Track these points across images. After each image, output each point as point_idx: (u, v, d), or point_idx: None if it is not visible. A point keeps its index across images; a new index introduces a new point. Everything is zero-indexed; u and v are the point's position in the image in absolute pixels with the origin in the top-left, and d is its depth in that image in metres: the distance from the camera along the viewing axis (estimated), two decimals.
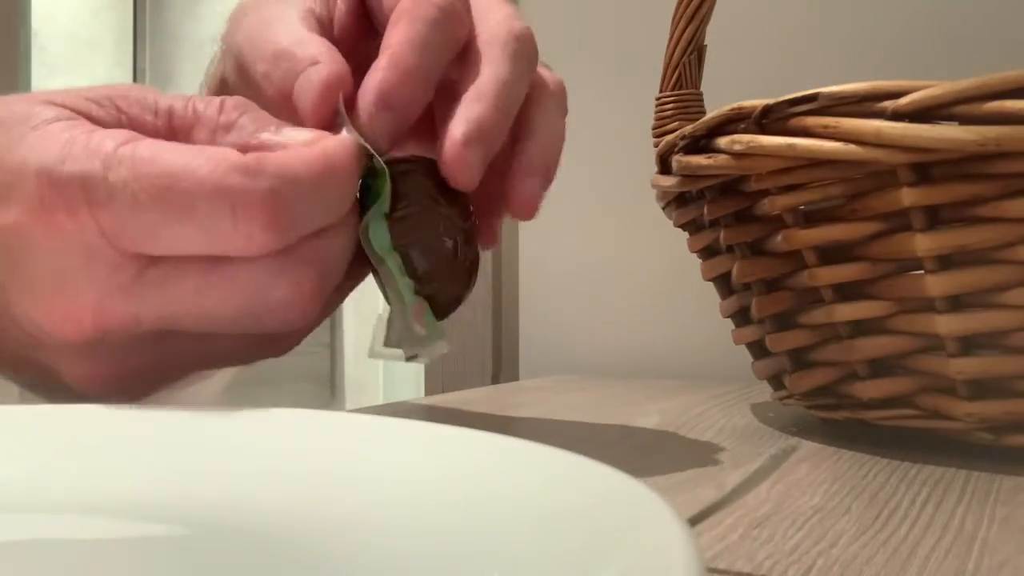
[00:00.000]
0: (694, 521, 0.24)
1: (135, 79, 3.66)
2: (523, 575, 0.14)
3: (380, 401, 2.42)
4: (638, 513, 0.14)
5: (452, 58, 0.31)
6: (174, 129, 0.28)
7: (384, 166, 0.28)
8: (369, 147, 0.28)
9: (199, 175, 0.25)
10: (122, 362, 0.27)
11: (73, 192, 0.25)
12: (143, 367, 0.28)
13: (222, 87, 0.34)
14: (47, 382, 0.29)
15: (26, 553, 0.18)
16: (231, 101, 0.28)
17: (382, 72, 0.28)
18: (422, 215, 0.28)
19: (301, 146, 0.27)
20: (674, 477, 0.30)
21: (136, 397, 0.29)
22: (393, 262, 0.28)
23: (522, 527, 0.16)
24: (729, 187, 0.38)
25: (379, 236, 0.28)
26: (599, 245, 0.75)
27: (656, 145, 0.44)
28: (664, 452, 0.34)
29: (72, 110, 0.27)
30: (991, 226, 0.30)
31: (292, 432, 0.22)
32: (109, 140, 0.25)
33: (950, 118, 0.30)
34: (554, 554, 0.14)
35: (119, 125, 0.27)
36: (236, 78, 0.33)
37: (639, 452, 0.34)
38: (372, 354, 0.30)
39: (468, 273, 0.29)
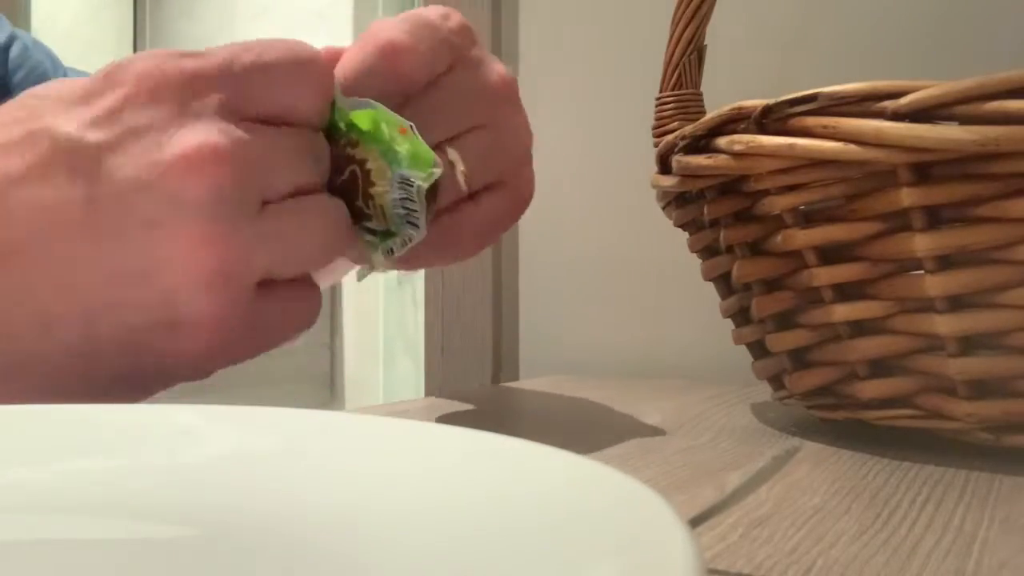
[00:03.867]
0: (694, 521, 0.24)
1: None
2: (522, 575, 0.14)
3: (380, 401, 2.42)
4: (638, 513, 0.14)
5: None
6: None
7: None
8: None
9: (276, 44, 0.30)
10: (239, 305, 0.29)
11: (169, 70, 0.28)
12: (250, 320, 0.30)
13: None
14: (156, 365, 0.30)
15: (27, 553, 0.18)
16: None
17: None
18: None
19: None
20: (674, 477, 0.30)
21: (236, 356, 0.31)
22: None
23: (521, 527, 0.16)
24: (729, 187, 0.38)
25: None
26: (599, 245, 0.75)
27: (656, 145, 0.44)
28: (664, 452, 0.34)
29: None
30: (991, 226, 0.30)
31: (292, 432, 0.22)
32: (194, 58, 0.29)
33: (950, 118, 0.30)
34: (553, 554, 0.14)
35: None
36: None
37: (639, 452, 0.34)
38: (364, 275, 0.35)
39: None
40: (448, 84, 0.33)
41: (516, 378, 0.79)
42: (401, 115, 0.31)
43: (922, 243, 0.31)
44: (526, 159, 0.36)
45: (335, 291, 2.46)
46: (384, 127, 0.31)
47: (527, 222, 0.79)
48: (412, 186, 0.31)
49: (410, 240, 0.32)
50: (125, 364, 0.29)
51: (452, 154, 0.33)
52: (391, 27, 0.32)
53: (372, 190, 0.31)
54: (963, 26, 0.61)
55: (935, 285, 0.31)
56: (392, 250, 0.32)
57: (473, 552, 0.16)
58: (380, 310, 2.49)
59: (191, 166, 0.27)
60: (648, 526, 0.14)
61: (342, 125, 0.31)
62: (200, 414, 0.23)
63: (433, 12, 0.34)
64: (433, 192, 0.31)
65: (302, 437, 0.22)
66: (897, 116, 0.30)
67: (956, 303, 0.31)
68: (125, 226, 0.27)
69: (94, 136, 0.27)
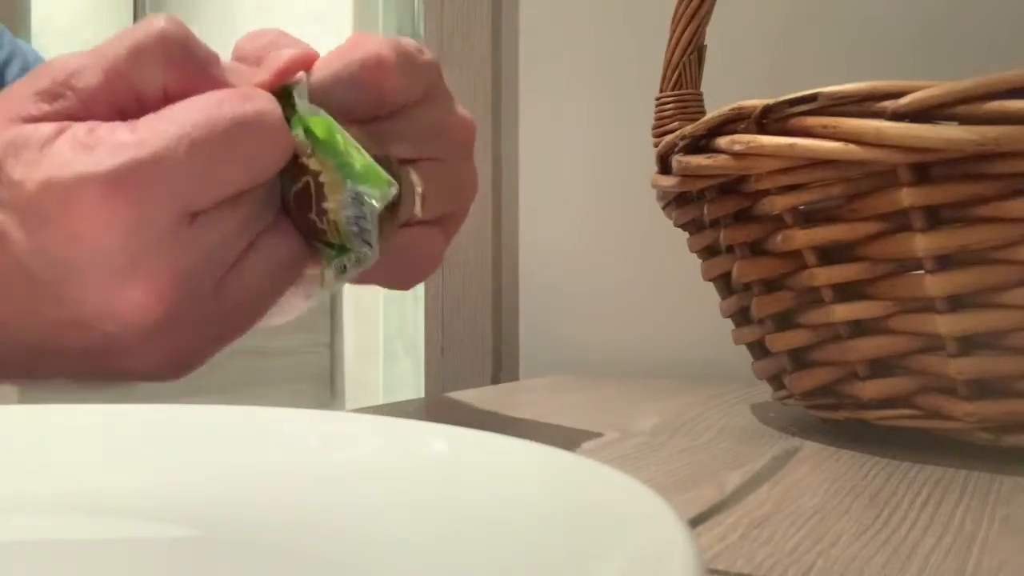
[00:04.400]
0: (694, 521, 0.24)
1: None
2: (522, 575, 0.14)
3: (380, 401, 2.42)
4: (638, 513, 0.14)
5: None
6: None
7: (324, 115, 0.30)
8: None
9: (226, 115, 0.27)
10: (191, 331, 0.29)
11: (123, 181, 0.26)
12: (208, 326, 0.30)
13: None
14: (110, 378, 0.30)
15: (27, 553, 0.18)
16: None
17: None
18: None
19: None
20: (674, 477, 0.30)
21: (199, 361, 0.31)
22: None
23: (521, 527, 0.16)
24: (729, 187, 0.38)
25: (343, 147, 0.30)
26: (599, 245, 0.75)
27: (656, 145, 0.44)
28: (664, 452, 0.34)
29: (52, 119, 0.28)
30: (991, 226, 0.30)
31: (292, 432, 0.22)
32: (120, 131, 0.27)
33: (950, 118, 0.30)
34: (554, 554, 0.14)
35: (78, 111, 0.29)
36: None
37: (639, 452, 0.34)
38: (327, 288, 0.33)
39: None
40: (416, 115, 0.33)
41: (516, 378, 0.79)
42: (366, 132, 0.31)
43: (922, 243, 0.31)
44: (467, 205, 0.36)
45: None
46: (339, 137, 0.30)
47: (528, 222, 0.79)
48: (365, 204, 0.30)
49: (363, 259, 0.31)
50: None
51: (414, 176, 0.32)
52: (378, 42, 0.32)
53: (325, 204, 0.30)
54: (963, 26, 0.61)
55: (935, 285, 0.31)
56: (345, 267, 0.31)
57: (473, 552, 0.16)
58: (380, 310, 2.49)
59: (141, 310, 0.27)
60: (648, 526, 0.14)
61: (300, 130, 0.30)
62: (200, 414, 0.23)
63: (408, 43, 0.33)
64: (390, 212, 0.30)
65: (302, 437, 0.22)
66: (897, 116, 0.30)
67: (956, 303, 0.31)
68: (78, 349, 0.28)
69: (39, 265, 0.27)
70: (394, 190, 0.30)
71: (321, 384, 2.43)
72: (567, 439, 0.37)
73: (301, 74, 0.31)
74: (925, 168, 0.31)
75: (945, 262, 0.31)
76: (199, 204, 0.28)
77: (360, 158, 0.30)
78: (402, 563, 0.16)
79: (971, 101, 0.29)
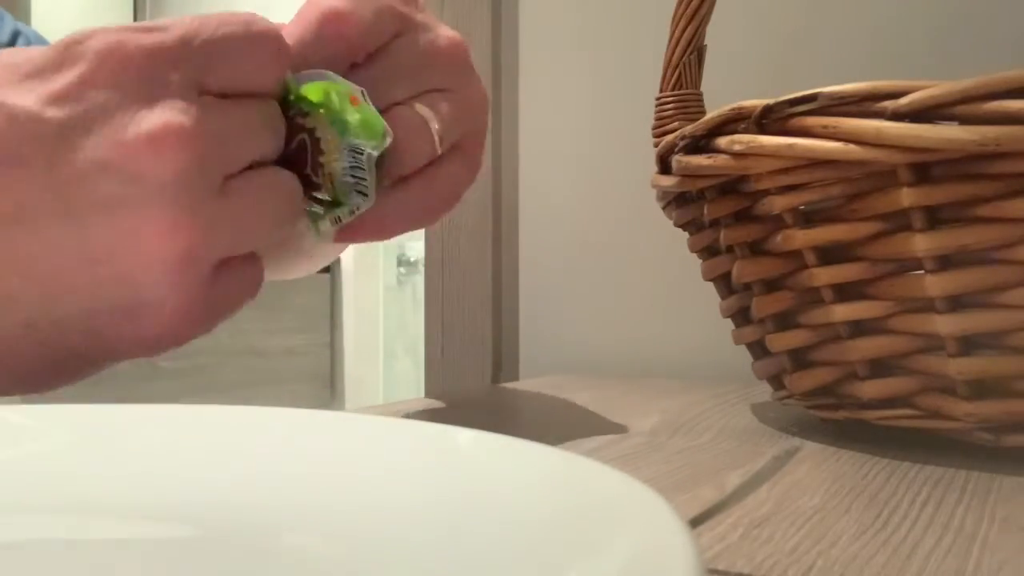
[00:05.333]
0: (694, 521, 0.24)
1: None
2: (521, 574, 0.14)
3: (380, 401, 2.42)
4: (638, 513, 0.14)
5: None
6: None
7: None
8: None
9: (242, 18, 0.29)
10: (199, 287, 0.28)
11: (160, 51, 0.28)
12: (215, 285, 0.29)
13: None
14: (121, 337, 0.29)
15: (27, 553, 0.18)
16: None
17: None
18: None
19: None
20: (674, 477, 0.30)
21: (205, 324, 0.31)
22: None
23: (521, 527, 0.16)
24: (729, 187, 0.38)
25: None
26: (599, 245, 0.75)
27: (656, 145, 0.44)
28: (664, 452, 0.34)
29: None
30: (991, 226, 0.30)
31: (292, 432, 0.22)
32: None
33: (950, 118, 0.30)
34: (553, 554, 0.14)
35: None
36: None
37: (639, 452, 0.34)
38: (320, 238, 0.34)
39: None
40: (396, 49, 0.33)
41: (516, 378, 0.79)
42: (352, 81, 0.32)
43: (922, 243, 0.31)
44: (483, 124, 0.36)
45: (335, 291, 2.46)
46: (334, 97, 0.31)
47: (527, 222, 0.79)
48: (362, 154, 0.31)
49: (358, 209, 0.32)
50: (81, 343, 0.29)
51: (424, 111, 0.33)
52: None
53: (321, 159, 0.32)
54: (963, 26, 0.61)
55: (935, 285, 0.31)
56: (339, 219, 0.33)
57: (473, 551, 0.16)
58: (380, 310, 2.49)
59: (155, 147, 0.26)
60: (648, 526, 0.14)
61: (292, 97, 0.32)
62: (200, 414, 0.23)
63: None
64: (382, 162, 0.32)
65: (301, 437, 0.22)
66: (897, 116, 0.30)
67: (956, 303, 0.31)
68: (87, 208, 0.27)
69: (53, 113, 0.27)
70: (390, 138, 0.31)
71: (321, 384, 2.43)
72: (567, 439, 0.37)
73: None
74: (925, 168, 0.31)
75: (945, 262, 0.31)
76: (205, 81, 0.28)
77: (356, 112, 0.31)
78: (402, 563, 0.16)
79: (971, 101, 0.29)
